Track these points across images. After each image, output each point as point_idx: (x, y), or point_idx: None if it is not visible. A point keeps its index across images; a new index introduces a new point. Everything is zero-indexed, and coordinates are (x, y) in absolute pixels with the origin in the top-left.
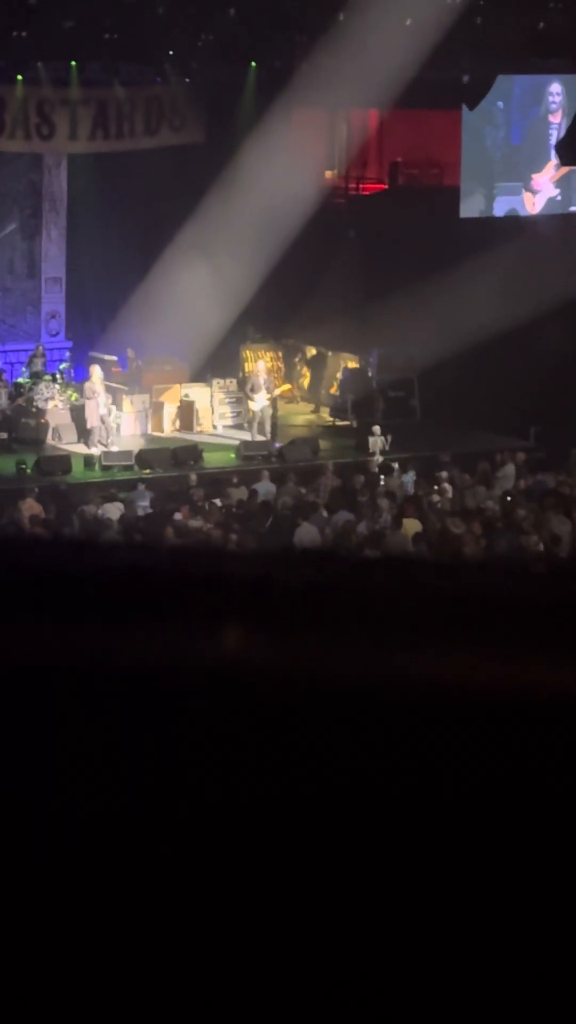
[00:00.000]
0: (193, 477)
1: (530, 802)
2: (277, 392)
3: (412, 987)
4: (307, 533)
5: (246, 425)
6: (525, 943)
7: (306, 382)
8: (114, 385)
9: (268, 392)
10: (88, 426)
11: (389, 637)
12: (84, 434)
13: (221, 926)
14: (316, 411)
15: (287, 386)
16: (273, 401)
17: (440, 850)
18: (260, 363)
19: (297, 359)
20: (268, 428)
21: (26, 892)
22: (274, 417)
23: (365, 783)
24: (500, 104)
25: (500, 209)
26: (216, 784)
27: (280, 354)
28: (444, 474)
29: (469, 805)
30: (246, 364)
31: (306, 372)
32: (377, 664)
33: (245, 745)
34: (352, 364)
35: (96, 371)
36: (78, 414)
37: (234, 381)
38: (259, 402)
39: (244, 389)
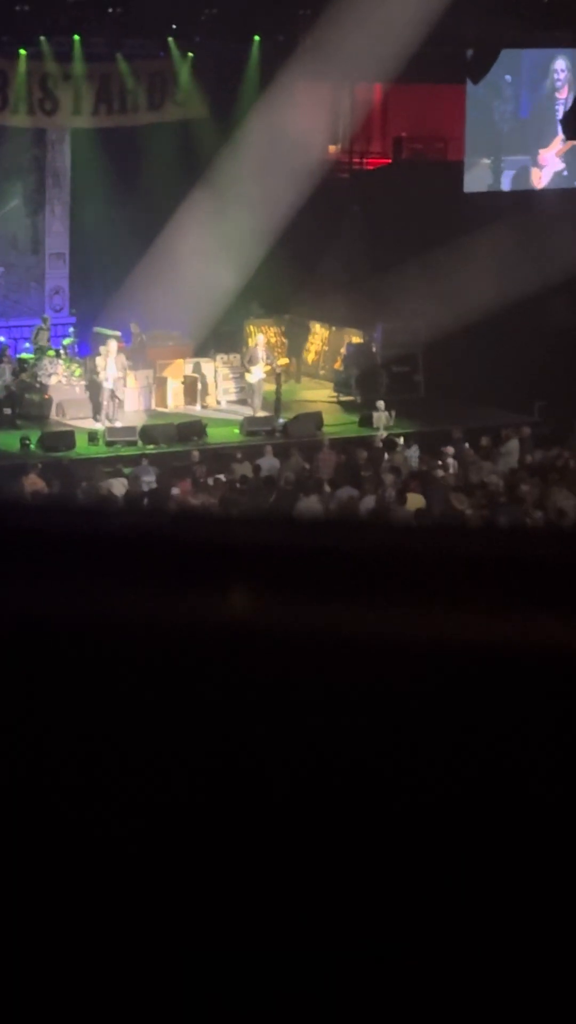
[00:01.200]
0: (196, 453)
1: (534, 760)
2: (276, 364)
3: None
4: (308, 508)
5: (248, 400)
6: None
7: (310, 357)
8: (125, 360)
9: (268, 364)
10: (103, 399)
11: (390, 597)
12: (97, 408)
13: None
14: (320, 386)
15: (285, 360)
16: (277, 376)
17: (447, 812)
18: (260, 336)
19: (301, 334)
20: (258, 401)
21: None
22: (278, 392)
23: (369, 743)
24: (508, 78)
25: (507, 183)
26: (223, 745)
27: (283, 329)
28: (449, 449)
29: (471, 762)
30: (249, 339)
31: (310, 347)
32: (379, 623)
33: (251, 705)
34: (356, 339)
35: (111, 345)
36: (93, 389)
37: (238, 356)
38: (255, 375)
39: (243, 362)
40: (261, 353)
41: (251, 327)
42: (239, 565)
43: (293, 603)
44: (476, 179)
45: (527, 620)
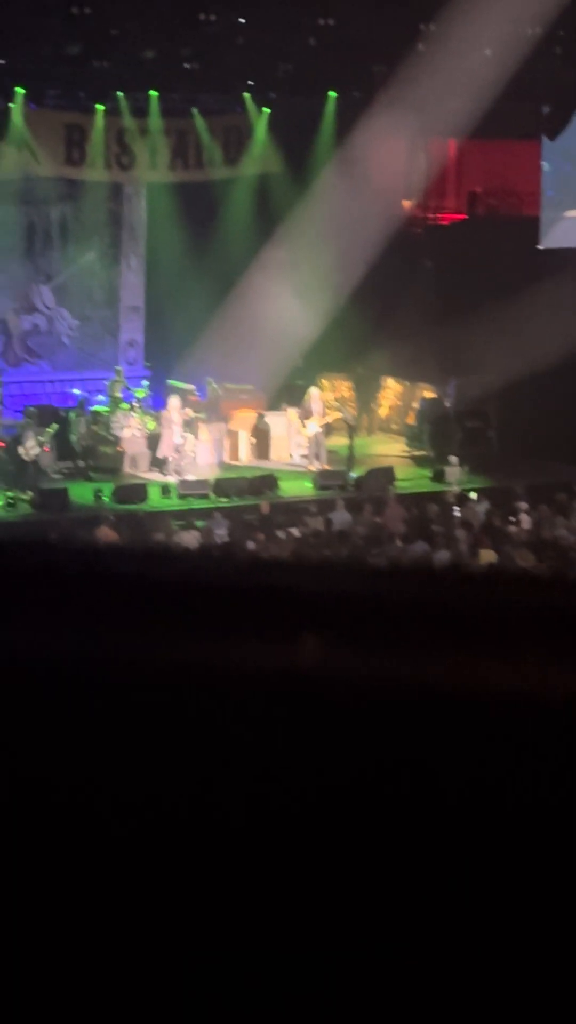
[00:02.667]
0: (268, 506)
1: None
2: (328, 420)
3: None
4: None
5: (312, 454)
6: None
7: (383, 411)
8: (192, 414)
9: (320, 419)
10: (160, 455)
11: (462, 647)
12: (157, 463)
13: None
14: (393, 441)
15: (338, 414)
16: (349, 430)
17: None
18: (313, 390)
19: (373, 388)
20: (324, 454)
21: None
22: (350, 447)
23: (436, 787)
24: None
25: None
26: (296, 788)
27: (354, 383)
28: (522, 504)
29: (542, 807)
30: (323, 394)
31: (383, 401)
32: (450, 673)
33: (321, 750)
34: (429, 394)
35: (174, 401)
36: (153, 442)
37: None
38: (310, 428)
39: (298, 417)
40: (315, 406)
41: (324, 381)
42: (310, 614)
43: (364, 653)
44: (559, 235)
45: None
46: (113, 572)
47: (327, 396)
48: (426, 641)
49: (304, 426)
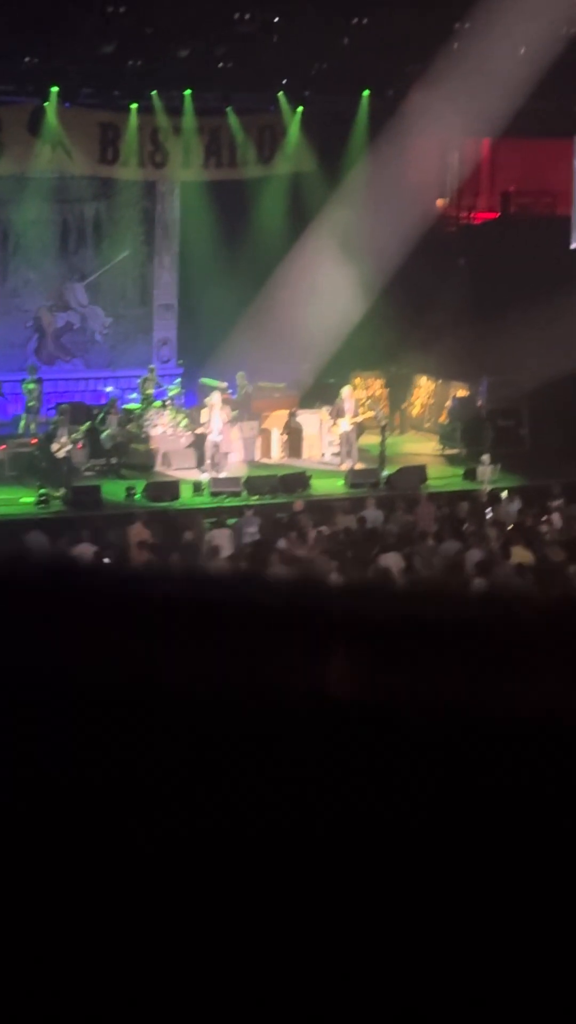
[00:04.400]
0: (300, 504)
1: None
2: (360, 418)
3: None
4: (392, 562)
5: (348, 452)
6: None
7: (415, 410)
8: (229, 412)
9: (353, 417)
10: (205, 449)
11: (485, 669)
12: (199, 457)
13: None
14: (425, 439)
15: (370, 413)
16: (382, 429)
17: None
18: (346, 388)
19: (406, 387)
20: (355, 452)
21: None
22: (383, 445)
23: (462, 810)
24: None
25: None
26: (321, 811)
27: (387, 381)
28: (554, 503)
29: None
30: (355, 392)
31: (415, 400)
32: (478, 697)
33: (348, 773)
34: (462, 392)
35: (215, 397)
36: (198, 440)
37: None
38: (342, 426)
39: (331, 415)
40: (348, 405)
41: (357, 380)
42: (337, 636)
43: (392, 675)
44: None
45: None
46: (141, 594)
47: (359, 394)
48: (448, 661)
49: (336, 424)
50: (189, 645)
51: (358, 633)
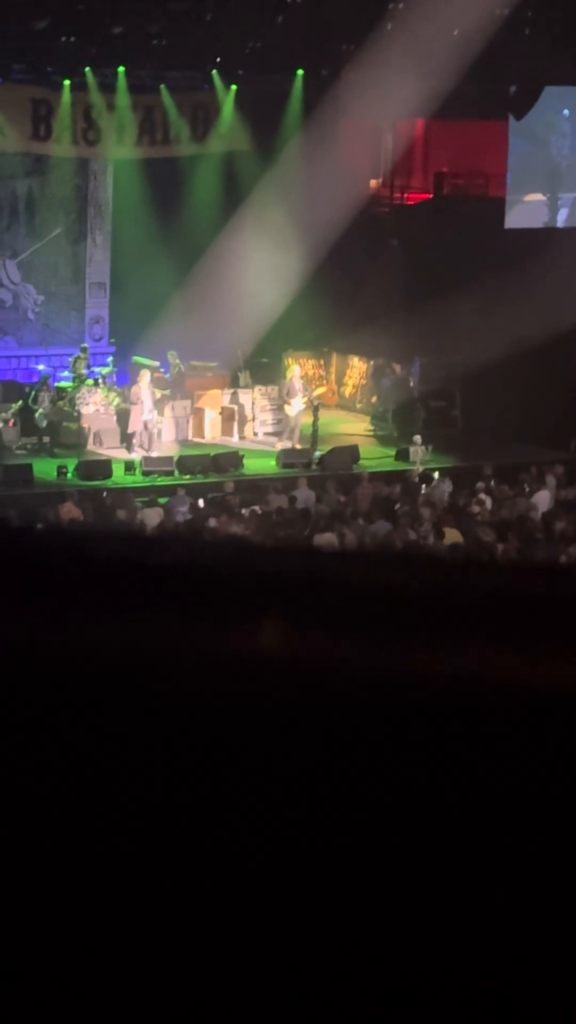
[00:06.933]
0: (232, 484)
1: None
2: (314, 394)
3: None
4: (326, 542)
5: (286, 433)
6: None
7: (347, 391)
8: (156, 390)
9: (305, 396)
10: (130, 430)
11: (425, 633)
12: (126, 438)
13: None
14: (357, 420)
15: (323, 388)
16: (314, 409)
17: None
18: (295, 368)
19: (338, 367)
20: (297, 434)
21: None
22: (315, 425)
23: (389, 777)
24: (566, 112)
25: (563, 219)
26: (253, 774)
27: (322, 362)
28: (481, 485)
29: (492, 797)
30: (287, 371)
31: (347, 380)
32: (401, 658)
33: (276, 736)
34: (394, 374)
35: (145, 376)
36: (122, 418)
37: (275, 388)
38: (295, 406)
39: (281, 395)
40: (299, 385)
41: (289, 359)
42: (272, 596)
43: (323, 635)
44: (532, 214)
45: (563, 659)
46: (79, 554)
47: (307, 373)
48: (393, 624)
49: (289, 404)
50: (130, 606)
51: (292, 592)
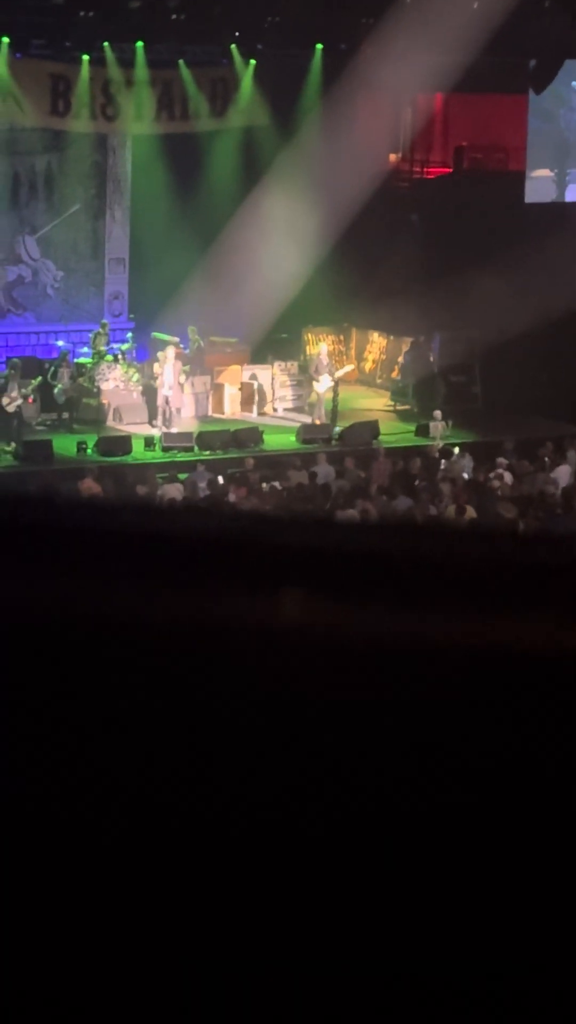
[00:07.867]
0: (252, 460)
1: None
2: (340, 374)
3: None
4: (348, 518)
5: (307, 408)
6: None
7: (367, 366)
8: (181, 367)
9: (331, 374)
10: (158, 404)
11: (443, 603)
12: (152, 411)
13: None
14: (377, 395)
15: (351, 367)
16: (335, 384)
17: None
18: (322, 346)
19: (359, 342)
20: (322, 410)
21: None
22: (335, 400)
23: (411, 745)
24: (575, 84)
25: (573, 194)
26: (272, 745)
27: (342, 337)
28: (502, 460)
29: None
30: (307, 347)
31: (368, 356)
32: (419, 628)
33: (300, 706)
34: (414, 348)
35: (170, 351)
36: (150, 394)
37: (295, 364)
38: (324, 384)
39: (308, 371)
40: (326, 361)
41: (309, 335)
42: (292, 568)
43: (345, 607)
44: (539, 190)
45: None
46: (95, 526)
47: (333, 349)
48: (411, 596)
49: (318, 380)
50: (142, 575)
51: (316, 565)
